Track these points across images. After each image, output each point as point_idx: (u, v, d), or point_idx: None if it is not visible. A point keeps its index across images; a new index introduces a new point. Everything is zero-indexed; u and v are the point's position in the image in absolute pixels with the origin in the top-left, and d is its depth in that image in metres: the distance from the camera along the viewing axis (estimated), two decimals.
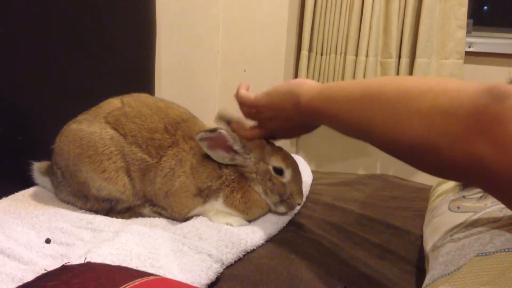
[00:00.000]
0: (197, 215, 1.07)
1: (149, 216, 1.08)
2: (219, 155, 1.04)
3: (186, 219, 1.08)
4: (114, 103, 1.11)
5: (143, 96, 1.14)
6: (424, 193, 1.38)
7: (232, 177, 1.06)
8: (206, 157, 1.05)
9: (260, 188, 1.08)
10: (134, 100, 1.11)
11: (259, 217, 1.11)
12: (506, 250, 0.61)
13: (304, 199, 1.29)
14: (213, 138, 1.02)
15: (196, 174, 1.04)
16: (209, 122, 1.15)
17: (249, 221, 1.09)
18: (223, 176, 1.05)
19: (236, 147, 1.04)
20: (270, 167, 1.08)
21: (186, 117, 1.12)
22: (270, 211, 1.13)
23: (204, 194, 1.05)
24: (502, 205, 0.75)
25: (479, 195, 0.82)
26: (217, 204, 1.06)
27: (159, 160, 1.05)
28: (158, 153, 1.05)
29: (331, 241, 1.06)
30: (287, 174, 1.09)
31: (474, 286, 0.59)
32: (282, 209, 1.11)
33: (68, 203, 1.11)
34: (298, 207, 1.16)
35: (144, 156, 1.05)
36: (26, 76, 1.21)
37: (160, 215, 1.08)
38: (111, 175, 1.04)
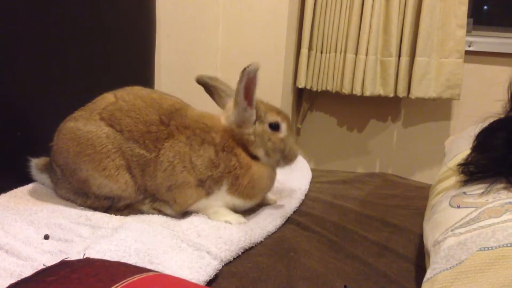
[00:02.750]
0: (201, 208, 1.07)
1: (148, 213, 1.08)
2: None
3: (186, 214, 1.08)
4: (107, 98, 1.10)
5: (137, 89, 1.13)
6: (423, 191, 1.38)
7: (233, 162, 1.06)
8: (201, 145, 1.05)
9: (261, 151, 1.09)
10: (128, 94, 1.11)
11: (260, 200, 1.13)
12: (509, 245, 0.61)
13: (303, 197, 1.30)
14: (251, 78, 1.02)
15: (195, 167, 1.04)
16: None
17: (250, 208, 1.10)
18: (220, 164, 1.05)
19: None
20: (266, 125, 1.08)
21: (179, 106, 1.12)
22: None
23: (207, 185, 1.05)
24: (504, 201, 0.75)
25: (481, 191, 0.82)
26: (221, 193, 1.06)
27: (157, 154, 1.05)
28: (156, 146, 1.05)
29: (330, 238, 1.06)
30: (283, 128, 1.10)
31: (477, 280, 0.59)
32: (282, 165, 1.13)
33: (67, 200, 1.11)
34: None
35: (142, 151, 1.05)
36: (25, 72, 1.21)
37: (160, 211, 1.08)
38: (112, 172, 1.04)
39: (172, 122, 1.07)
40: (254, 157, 1.10)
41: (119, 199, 1.07)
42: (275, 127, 1.09)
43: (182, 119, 1.08)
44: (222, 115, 1.12)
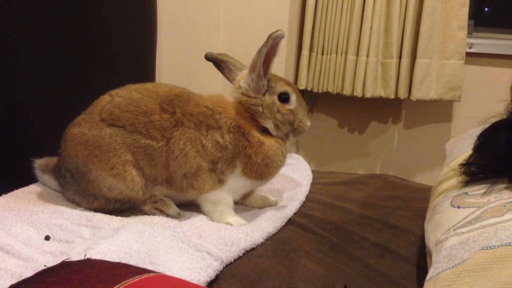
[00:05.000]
0: (214, 200, 1.08)
1: (149, 213, 1.08)
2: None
3: (187, 215, 1.08)
4: (103, 98, 1.11)
5: (129, 85, 1.13)
6: (424, 193, 1.38)
7: (241, 142, 1.06)
8: (208, 131, 1.05)
9: (271, 123, 1.09)
10: (122, 89, 1.11)
11: (274, 177, 1.13)
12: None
13: (304, 198, 1.30)
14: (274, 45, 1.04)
15: (207, 148, 1.05)
16: None
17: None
18: (228, 146, 1.05)
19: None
20: (275, 97, 1.09)
21: (177, 91, 1.12)
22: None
23: (219, 169, 1.06)
24: (506, 200, 0.75)
25: (482, 191, 0.82)
26: (235, 177, 1.08)
27: (167, 143, 1.05)
28: (164, 135, 1.05)
29: (330, 240, 1.06)
30: (293, 99, 1.11)
31: (479, 279, 0.59)
32: (292, 137, 1.14)
33: (73, 202, 1.10)
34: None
35: (148, 141, 1.05)
36: (26, 73, 1.21)
37: (161, 212, 1.08)
38: (119, 170, 1.04)
39: (177, 109, 1.07)
40: (266, 133, 1.10)
41: (128, 201, 1.07)
42: (284, 98, 1.10)
43: (186, 106, 1.08)
44: (232, 89, 1.13)
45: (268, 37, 1.02)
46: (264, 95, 1.09)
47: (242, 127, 1.07)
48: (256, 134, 1.08)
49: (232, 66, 1.16)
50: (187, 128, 1.05)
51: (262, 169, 1.08)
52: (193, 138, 1.05)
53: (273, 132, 1.11)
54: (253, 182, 1.11)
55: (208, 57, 1.17)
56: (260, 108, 1.08)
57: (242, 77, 1.11)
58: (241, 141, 1.06)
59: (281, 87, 1.10)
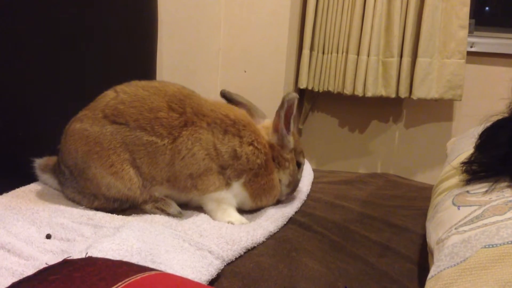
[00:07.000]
0: (218, 199, 1.09)
1: (150, 213, 1.08)
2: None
3: (188, 214, 1.08)
4: (108, 94, 1.09)
5: (135, 82, 1.12)
6: (425, 192, 1.38)
7: (259, 161, 1.08)
8: (225, 135, 1.06)
9: (286, 179, 1.15)
10: (128, 86, 1.10)
11: (265, 207, 1.15)
12: None
13: (305, 197, 1.30)
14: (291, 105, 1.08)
15: (220, 153, 1.05)
16: None
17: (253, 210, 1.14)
18: (242, 157, 1.06)
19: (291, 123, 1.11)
20: (295, 162, 1.15)
21: (186, 93, 1.11)
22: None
23: (227, 174, 1.07)
24: (508, 199, 0.75)
25: (484, 189, 0.82)
26: (237, 185, 1.09)
27: (173, 141, 1.04)
28: (171, 133, 1.04)
29: (331, 239, 1.06)
30: (301, 169, 1.19)
31: (481, 277, 0.59)
32: (284, 196, 1.21)
33: (73, 201, 1.10)
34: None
35: (151, 138, 1.04)
36: (26, 72, 1.21)
37: (162, 211, 1.08)
38: (118, 168, 1.04)
39: (188, 109, 1.06)
40: None
41: (127, 200, 1.06)
42: (298, 165, 1.18)
43: (198, 107, 1.08)
44: (262, 129, 1.15)
45: (282, 101, 1.06)
46: (291, 151, 1.15)
47: (266, 148, 1.11)
48: (272, 163, 1.12)
49: (254, 111, 1.20)
50: (198, 128, 1.05)
51: (261, 192, 1.11)
52: (204, 139, 1.04)
53: (283, 187, 1.17)
54: (247, 196, 1.12)
55: (224, 95, 1.21)
56: (287, 164, 1.14)
57: (269, 128, 1.15)
58: (259, 159, 1.08)
59: (302, 158, 1.18)
